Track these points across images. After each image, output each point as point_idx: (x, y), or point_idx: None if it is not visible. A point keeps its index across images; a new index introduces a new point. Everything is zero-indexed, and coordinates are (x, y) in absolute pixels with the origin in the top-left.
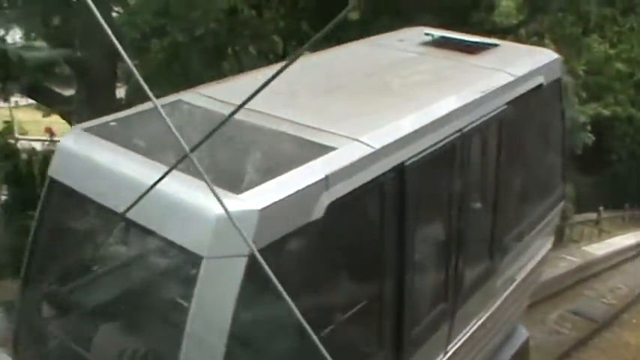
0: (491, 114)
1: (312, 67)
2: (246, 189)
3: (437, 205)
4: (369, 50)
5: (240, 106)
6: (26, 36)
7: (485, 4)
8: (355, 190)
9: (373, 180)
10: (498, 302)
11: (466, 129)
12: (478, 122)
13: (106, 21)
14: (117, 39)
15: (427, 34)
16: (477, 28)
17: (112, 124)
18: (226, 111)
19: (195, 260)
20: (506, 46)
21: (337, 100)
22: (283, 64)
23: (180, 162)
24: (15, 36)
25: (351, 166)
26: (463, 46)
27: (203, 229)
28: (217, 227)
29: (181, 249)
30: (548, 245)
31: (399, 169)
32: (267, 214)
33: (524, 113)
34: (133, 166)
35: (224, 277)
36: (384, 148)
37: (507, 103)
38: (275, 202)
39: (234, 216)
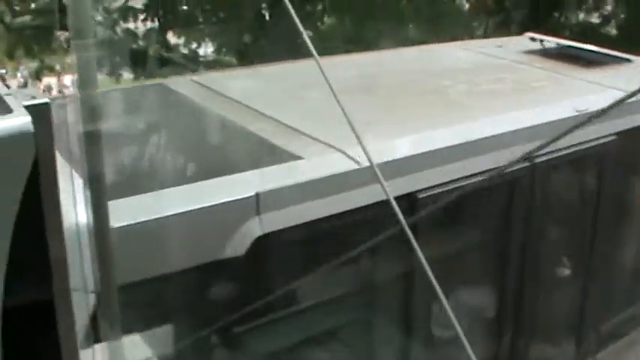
0: (589, 144)
1: (372, 63)
2: (117, 198)
3: (475, 264)
4: (454, 52)
5: None
6: (217, 51)
7: None
8: (315, 223)
9: (353, 213)
10: None
11: (540, 159)
12: (563, 152)
13: None
14: None
15: (533, 39)
16: None
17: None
18: (206, 99)
19: None
20: None
21: (361, 101)
22: None
23: None
24: (207, 49)
25: (310, 186)
26: (579, 57)
27: None
28: None
29: None
30: None
31: (407, 203)
32: (132, 237)
33: None
34: None
35: None
36: (379, 167)
37: (618, 134)
38: (152, 221)
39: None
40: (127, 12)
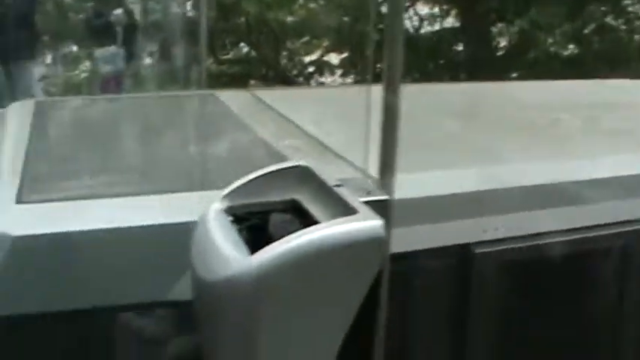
0: None
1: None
2: None
3: None
4: (574, 86)
5: None
6: None
7: None
8: None
9: None
10: None
11: (605, 232)
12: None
13: None
14: None
15: None
16: None
17: None
18: (246, 111)
19: None
20: None
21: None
22: None
23: None
24: None
25: None
26: None
27: None
28: None
29: None
30: None
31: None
32: None
33: None
34: None
35: None
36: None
37: None
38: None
39: None
40: None
